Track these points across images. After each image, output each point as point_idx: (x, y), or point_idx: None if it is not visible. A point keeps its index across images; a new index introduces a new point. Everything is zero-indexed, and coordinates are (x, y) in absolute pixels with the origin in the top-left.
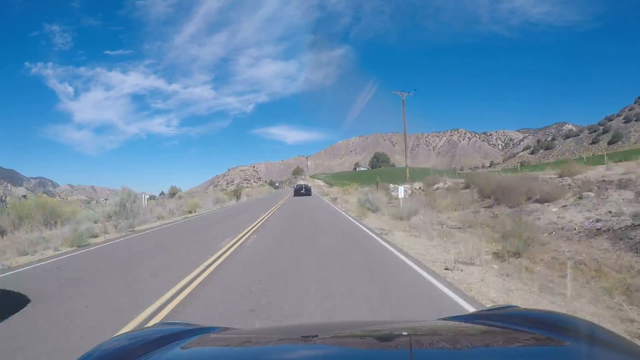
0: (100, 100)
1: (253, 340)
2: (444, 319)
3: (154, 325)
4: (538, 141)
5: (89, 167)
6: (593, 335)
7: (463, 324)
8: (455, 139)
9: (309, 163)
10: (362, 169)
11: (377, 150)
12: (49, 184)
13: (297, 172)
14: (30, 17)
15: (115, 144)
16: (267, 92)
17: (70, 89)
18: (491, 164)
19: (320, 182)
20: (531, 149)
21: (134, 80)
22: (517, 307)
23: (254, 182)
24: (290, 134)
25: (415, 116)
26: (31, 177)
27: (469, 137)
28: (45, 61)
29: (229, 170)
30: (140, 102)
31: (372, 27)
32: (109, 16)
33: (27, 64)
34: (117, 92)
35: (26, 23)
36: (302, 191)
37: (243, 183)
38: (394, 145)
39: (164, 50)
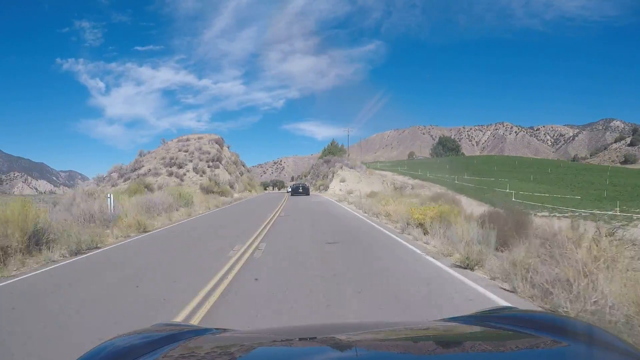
0: (131, 96)
1: (249, 342)
2: (443, 320)
3: (152, 326)
4: (635, 130)
5: (120, 161)
6: (591, 337)
7: (462, 326)
8: (501, 133)
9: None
10: (420, 157)
11: (413, 143)
12: (78, 177)
13: (333, 151)
14: (60, 14)
15: (147, 139)
16: (298, 88)
17: (102, 84)
18: (575, 158)
19: (394, 177)
20: (628, 140)
21: (165, 75)
22: (516, 308)
23: (209, 172)
24: (320, 130)
25: (452, 110)
26: (61, 171)
27: (515, 132)
28: (77, 57)
29: (163, 142)
30: (171, 97)
31: (404, 21)
32: (138, 12)
33: (58, 60)
34: (148, 87)
35: (56, 19)
36: (300, 190)
37: (163, 171)
38: (433, 139)
39: (194, 45)
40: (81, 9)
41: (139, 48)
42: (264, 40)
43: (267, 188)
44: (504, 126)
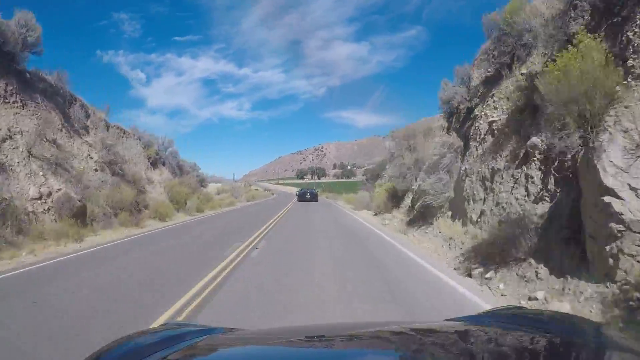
0: (172, 86)
1: (256, 341)
2: (452, 319)
3: (161, 326)
4: None
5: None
6: (600, 336)
7: (470, 325)
8: None
9: (387, 144)
10: None
11: None
12: None
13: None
14: (98, 6)
15: (189, 128)
16: (339, 75)
17: (142, 76)
18: None
19: None
20: None
21: (204, 65)
22: (524, 307)
23: None
24: (361, 118)
25: None
26: None
27: None
28: (117, 49)
29: None
30: (212, 86)
31: (444, 5)
32: (176, 2)
33: (98, 52)
34: (188, 77)
35: (94, 12)
36: (307, 196)
37: None
38: None
39: (233, 34)
40: (119, 1)
41: (177, 38)
42: (303, 28)
43: (305, 177)
44: None
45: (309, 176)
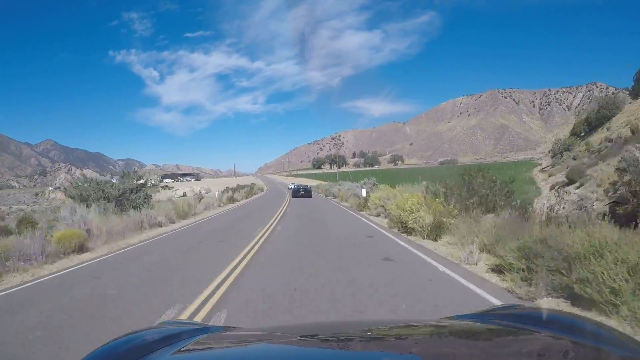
0: (185, 82)
1: (254, 340)
2: (449, 318)
3: (158, 325)
4: None
5: (179, 147)
6: (599, 335)
7: (469, 323)
8: (595, 95)
9: (407, 129)
10: None
11: (495, 109)
12: (136, 164)
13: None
14: (108, 7)
15: (204, 124)
16: (352, 65)
17: (156, 73)
18: None
19: None
20: None
21: (217, 60)
22: (522, 306)
23: None
24: (377, 106)
25: (532, 72)
26: (118, 159)
27: (612, 93)
28: (128, 48)
29: None
30: (225, 81)
31: None
32: None
33: (110, 52)
34: (201, 73)
35: (105, 13)
36: (301, 192)
37: None
38: (517, 103)
39: (244, 28)
40: (129, 1)
41: (189, 35)
42: (314, 18)
43: (322, 166)
44: (597, 87)
45: (327, 166)
